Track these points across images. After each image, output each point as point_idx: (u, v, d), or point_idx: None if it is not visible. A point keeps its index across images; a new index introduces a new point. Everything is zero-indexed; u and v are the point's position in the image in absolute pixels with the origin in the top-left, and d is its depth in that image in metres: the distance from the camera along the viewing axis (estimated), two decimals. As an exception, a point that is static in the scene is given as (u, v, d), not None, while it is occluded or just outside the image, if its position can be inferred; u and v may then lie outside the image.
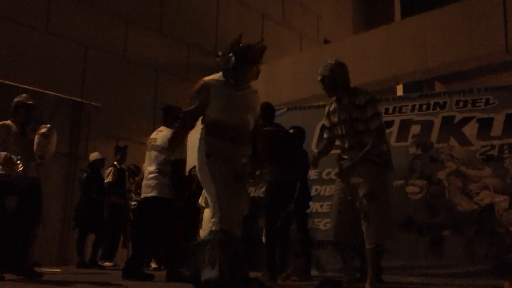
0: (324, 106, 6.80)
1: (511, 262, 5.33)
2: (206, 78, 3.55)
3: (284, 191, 4.98)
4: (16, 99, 4.97)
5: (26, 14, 8.67)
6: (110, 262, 7.54)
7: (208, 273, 3.20)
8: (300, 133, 5.82)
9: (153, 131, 5.56)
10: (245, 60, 3.48)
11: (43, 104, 8.15)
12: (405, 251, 5.78)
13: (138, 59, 10.24)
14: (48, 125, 4.88)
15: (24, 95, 5.05)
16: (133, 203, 7.60)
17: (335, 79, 4.01)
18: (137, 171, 7.86)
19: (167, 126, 5.25)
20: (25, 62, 8.50)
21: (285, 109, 7.14)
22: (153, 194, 5.15)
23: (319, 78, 4.09)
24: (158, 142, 5.20)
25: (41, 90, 8.34)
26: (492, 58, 8.38)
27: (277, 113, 7.18)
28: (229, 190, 3.35)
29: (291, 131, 5.66)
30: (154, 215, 5.17)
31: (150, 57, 10.44)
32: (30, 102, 4.95)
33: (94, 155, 7.59)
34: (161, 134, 5.24)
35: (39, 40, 8.79)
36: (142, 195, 5.35)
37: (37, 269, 5.06)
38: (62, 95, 8.81)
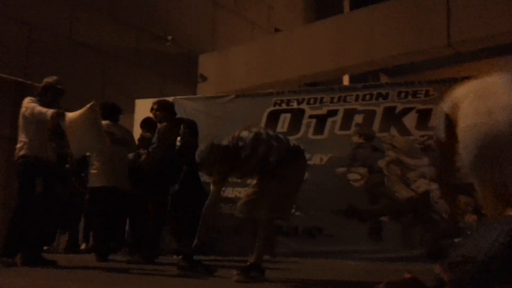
0: (272, 94, 6.98)
1: (445, 247, 5.59)
2: None
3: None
4: (47, 80, 4.85)
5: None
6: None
7: None
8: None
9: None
10: None
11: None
12: (345, 236, 5.97)
13: (85, 42, 10.00)
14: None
15: (55, 77, 4.90)
16: None
17: None
18: None
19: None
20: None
21: (233, 96, 7.17)
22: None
23: None
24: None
25: (-19, 70, 8.06)
26: (435, 52, 8.69)
27: (225, 99, 7.28)
28: None
29: None
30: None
31: (98, 41, 10.22)
32: (59, 86, 4.85)
33: None
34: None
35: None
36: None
37: None
38: (4, 75, 8.52)
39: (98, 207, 5.49)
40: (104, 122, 5.05)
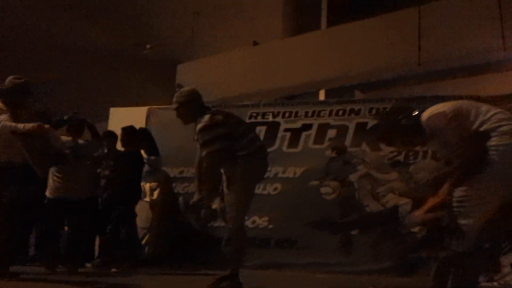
0: (248, 106, 7.07)
1: (412, 261, 5.73)
2: None
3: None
4: (14, 80, 4.63)
5: None
6: None
7: None
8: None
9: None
10: None
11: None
12: (317, 248, 6.03)
13: (63, 45, 9.93)
14: None
15: (24, 79, 4.67)
16: None
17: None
18: None
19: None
20: None
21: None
22: None
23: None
24: None
25: None
26: (406, 70, 8.94)
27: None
28: None
29: None
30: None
31: (76, 44, 10.15)
32: (28, 88, 4.68)
33: None
34: None
35: None
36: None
37: None
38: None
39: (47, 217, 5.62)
40: (65, 139, 5.29)
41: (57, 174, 5.42)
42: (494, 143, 2.96)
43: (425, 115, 3.20)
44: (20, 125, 4.32)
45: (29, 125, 4.30)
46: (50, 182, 5.47)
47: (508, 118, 3.07)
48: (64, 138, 5.48)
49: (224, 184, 4.09)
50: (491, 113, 3.07)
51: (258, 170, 4.15)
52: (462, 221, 2.98)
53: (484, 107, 3.15)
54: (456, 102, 3.33)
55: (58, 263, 5.40)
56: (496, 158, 2.93)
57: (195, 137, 4.03)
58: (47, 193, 5.50)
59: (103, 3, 10.56)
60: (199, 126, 3.96)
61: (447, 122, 3.07)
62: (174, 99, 4.27)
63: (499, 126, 2.99)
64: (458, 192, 2.99)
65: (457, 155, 3.00)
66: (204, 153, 3.89)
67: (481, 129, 3.02)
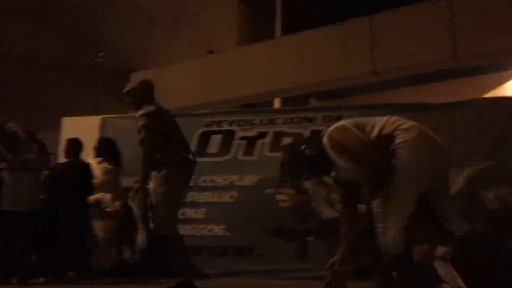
0: (204, 114, 7.07)
1: (366, 266, 5.84)
2: None
3: None
4: None
5: None
6: None
7: None
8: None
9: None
10: None
11: None
12: (275, 255, 6.08)
13: (12, 51, 9.65)
14: None
15: None
16: None
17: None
18: None
19: None
20: None
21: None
22: None
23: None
24: None
25: None
26: (360, 79, 9.14)
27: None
28: None
29: None
30: None
31: (26, 50, 9.88)
32: None
33: None
34: None
35: None
36: None
37: None
38: None
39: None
40: None
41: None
42: (399, 140, 3.13)
43: (327, 135, 3.40)
44: None
45: None
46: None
47: (403, 119, 3.27)
48: None
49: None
50: (386, 118, 3.28)
51: (180, 180, 4.33)
52: (382, 225, 3.13)
53: (377, 117, 3.34)
54: (350, 119, 3.54)
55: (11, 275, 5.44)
56: (404, 153, 3.09)
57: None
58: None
59: (56, 10, 10.33)
60: (141, 112, 4.16)
61: (349, 133, 3.25)
62: (127, 85, 4.51)
63: (399, 125, 3.19)
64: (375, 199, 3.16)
65: (365, 164, 3.16)
66: (141, 136, 4.10)
67: (383, 132, 3.19)
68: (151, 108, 4.21)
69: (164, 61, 11.89)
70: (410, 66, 8.57)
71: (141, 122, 4.13)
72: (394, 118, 3.26)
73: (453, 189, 5.31)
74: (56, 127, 7.38)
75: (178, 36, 12.99)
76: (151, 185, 4.32)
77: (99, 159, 6.43)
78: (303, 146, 3.48)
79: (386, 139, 3.17)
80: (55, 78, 10.24)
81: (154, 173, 4.30)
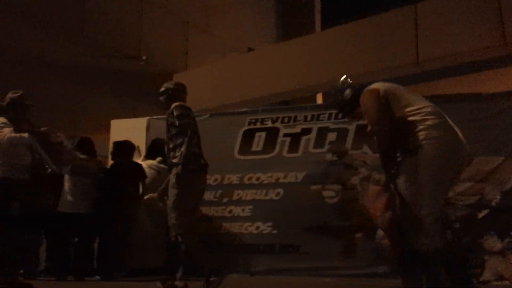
0: (246, 113, 7.04)
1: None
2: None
3: None
4: (11, 95, 4.75)
5: None
6: None
7: None
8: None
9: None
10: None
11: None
12: (321, 253, 6.00)
13: (55, 62, 9.90)
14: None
15: (21, 92, 4.80)
16: None
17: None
18: None
19: None
20: None
21: (208, 114, 7.20)
22: None
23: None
24: None
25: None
26: (403, 71, 8.91)
27: (200, 118, 7.28)
28: None
29: None
30: None
31: (68, 61, 10.12)
32: (26, 102, 4.81)
33: None
34: None
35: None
36: None
37: None
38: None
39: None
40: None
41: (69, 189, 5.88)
42: (422, 136, 3.15)
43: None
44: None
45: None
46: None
47: (434, 112, 3.26)
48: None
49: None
50: (421, 105, 3.28)
51: (192, 182, 4.33)
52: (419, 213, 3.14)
53: (418, 99, 3.35)
54: (393, 85, 3.55)
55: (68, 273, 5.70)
56: (429, 149, 3.12)
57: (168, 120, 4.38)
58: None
59: (93, 20, 10.51)
60: (174, 104, 4.38)
61: (373, 96, 3.38)
62: (163, 85, 4.68)
63: (426, 120, 3.20)
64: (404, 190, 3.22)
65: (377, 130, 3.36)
66: (179, 123, 4.26)
67: (409, 119, 3.23)
68: (180, 104, 4.45)
69: (201, 62, 11.93)
70: (456, 54, 8.32)
71: (177, 112, 4.32)
72: (427, 109, 3.26)
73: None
74: (101, 132, 7.54)
75: (213, 36, 12.99)
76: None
77: (149, 159, 6.53)
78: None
79: (405, 123, 3.24)
80: (97, 85, 10.46)
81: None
